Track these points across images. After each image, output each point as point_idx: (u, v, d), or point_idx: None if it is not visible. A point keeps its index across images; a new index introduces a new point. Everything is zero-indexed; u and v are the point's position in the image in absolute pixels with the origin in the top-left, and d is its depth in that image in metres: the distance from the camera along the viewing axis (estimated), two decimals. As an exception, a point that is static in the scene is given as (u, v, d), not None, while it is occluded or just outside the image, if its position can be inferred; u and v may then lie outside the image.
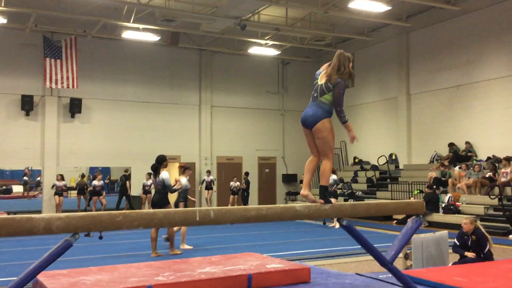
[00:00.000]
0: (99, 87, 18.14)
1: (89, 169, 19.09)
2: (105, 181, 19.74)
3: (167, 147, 19.00)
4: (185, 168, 10.32)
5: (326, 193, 4.53)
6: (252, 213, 4.15)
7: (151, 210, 3.85)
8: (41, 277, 4.47)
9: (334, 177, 13.83)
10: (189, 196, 10.26)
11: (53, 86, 16.76)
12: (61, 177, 16.31)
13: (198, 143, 19.73)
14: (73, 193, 18.73)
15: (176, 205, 9.86)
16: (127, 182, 17.46)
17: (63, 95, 17.48)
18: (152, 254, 8.89)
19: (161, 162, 9.09)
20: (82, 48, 17.33)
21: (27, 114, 17.00)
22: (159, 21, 15.70)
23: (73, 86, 16.94)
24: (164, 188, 8.86)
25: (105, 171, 20.07)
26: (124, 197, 17.78)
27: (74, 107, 17.48)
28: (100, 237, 3.48)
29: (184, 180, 9.99)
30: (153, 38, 16.74)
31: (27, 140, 17.01)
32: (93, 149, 17.81)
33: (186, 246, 9.80)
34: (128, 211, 3.69)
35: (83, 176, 17.51)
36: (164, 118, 19.07)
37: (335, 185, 14.10)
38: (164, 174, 8.90)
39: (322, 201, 4.43)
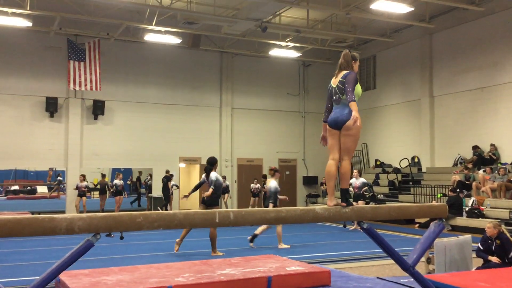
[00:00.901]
0: (122, 89, 18.36)
1: (111, 170, 19.33)
2: (127, 182, 19.96)
3: (188, 148, 19.15)
4: (275, 171, 10.55)
5: (347, 195, 4.51)
6: (271, 215, 4.15)
7: (171, 211, 3.87)
8: (63, 276, 4.54)
9: (362, 179, 13.88)
10: (279, 196, 10.53)
11: (77, 88, 17.02)
12: (83, 178, 16.22)
13: (219, 145, 19.80)
14: (96, 194, 18.96)
15: (266, 207, 10.00)
16: (169, 183, 17.48)
17: (86, 97, 17.74)
18: (212, 253, 9.20)
19: (213, 164, 9.44)
20: (105, 51, 17.57)
21: (51, 116, 17.30)
22: (180, 23, 15.83)
23: (96, 88, 17.18)
24: (218, 189, 9.24)
25: (127, 172, 20.30)
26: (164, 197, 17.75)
27: (97, 109, 17.72)
28: (121, 237, 3.52)
29: (274, 183, 10.30)
30: (175, 40, 16.88)
31: (51, 142, 17.31)
32: (115, 150, 18.04)
33: (284, 245, 9.99)
34: (149, 211, 3.72)
35: (103, 176, 17.60)
36: (185, 120, 19.20)
37: (364, 187, 13.98)
38: (214, 175, 9.24)
39: (344, 204, 4.42)
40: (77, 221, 3.42)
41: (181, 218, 3.74)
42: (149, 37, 16.66)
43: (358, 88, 4.57)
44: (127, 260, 8.29)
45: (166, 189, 17.36)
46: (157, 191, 18.39)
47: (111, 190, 16.42)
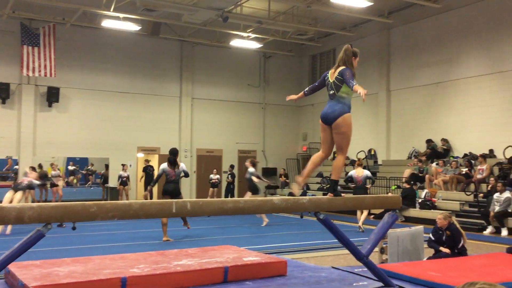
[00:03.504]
0: (78, 76, 17.85)
1: (66, 159, 18.81)
2: (82, 171, 19.47)
3: (147, 138, 18.87)
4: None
5: (336, 187, 4.64)
6: (229, 206, 4.14)
7: (127, 202, 3.81)
8: (12, 267, 4.39)
9: (366, 173, 12.85)
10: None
11: (30, 74, 16.44)
12: (33, 169, 12.92)
13: (178, 135, 19.60)
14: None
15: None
16: (154, 172, 17.31)
17: (40, 83, 17.16)
18: (164, 238, 9.64)
19: (176, 154, 9.73)
20: (60, 36, 17.02)
21: (3, 102, 16.66)
22: (139, 10, 15.48)
23: (50, 75, 16.64)
24: (179, 178, 9.72)
25: (83, 162, 19.80)
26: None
27: (52, 96, 17.18)
28: (73, 228, 3.43)
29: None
30: (134, 27, 16.53)
31: (2, 129, 16.68)
32: (70, 139, 17.55)
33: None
34: (102, 201, 3.64)
35: (40, 166, 16.39)
36: (144, 109, 18.89)
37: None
38: (183, 165, 9.74)
39: (331, 194, 4.59)
40: (27, 210, 3.31)
41: (136, 208, 3.68)
42: (106, 23, 16.24)
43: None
44: (80, 251, 8.12)
45: (151, 179, 17.15)
46: (113, 182, 18.06)
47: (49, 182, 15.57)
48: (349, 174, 11.68)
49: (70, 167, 15.75)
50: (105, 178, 18.46)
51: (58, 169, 16.61)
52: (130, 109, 18.62)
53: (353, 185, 11.68)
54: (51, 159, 17.66)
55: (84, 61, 17.95)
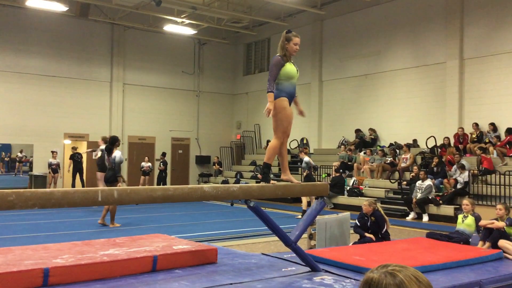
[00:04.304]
0: (0, 58, 16.82)
1: (-14, 145, 17.78)
2: (5, 159, 18.49)
3: (75, 124, 18.16)
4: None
5: (266, 170, 4.67)
6: (158, 193, 4.07)
7: (48, 190, 3.64)
8: None
9: (306, 159, 12.44)
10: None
11: None
12: None
13: (109, 122, 19.02)
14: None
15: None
16: (83, 160, 16.62)
17: (-43, 64, 16.02)
18: (99, 221, 9.96)
19: (113, 143, 9.99)
20: (-20, 14, 15.95)
21: None
22: (67, -10, 14.81)
23: (-31, 55, 15.58)
24: (117, 166, 9.90)
25: (6, 148, 18.78)
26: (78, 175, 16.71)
27: (-30, 78, 16.10)
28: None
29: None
30: (60, 8, 15.72)
31: None
32: (-9, 124, 16.56)
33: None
34: (22, 190, 3.46)
35: None
36: (71, 94, 18.13)
37: (307, 169, 12.32)
38: (117, 153, 9.90)
39: (260, 176, 4.66)
40: None
41: (59, 196, 3.52)
42: (31, 3, 15.35)
43: (287, 68, 4.63)
44: (0, 242, 7.70)
45: (80, 167, 16.52)
46: (38, 169, 17.26)
47: None
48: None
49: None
50: (30, 166, 17.63)
51: None
52: (56, 94, 17.80)
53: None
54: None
55: (6, 42, 16.92)
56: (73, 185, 16.77)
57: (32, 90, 17.33)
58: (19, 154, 18.71)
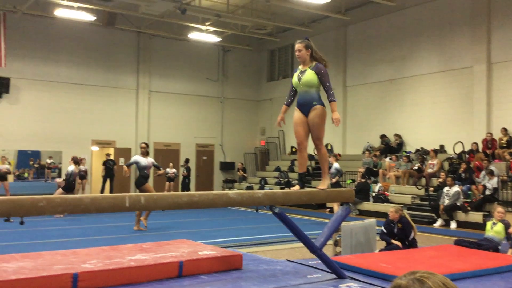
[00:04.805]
0: (30, 66, 17.25)
1: (17, 152, 18.20)
2: (35, 165, 18.91)
3: (102, 131, 18.47)
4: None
5: (303, 179, 4.94)
6: (184, 200, 4.11)
7: (77, 196, 3.72)
8: (-44, 265, 4.22)
9: (336, 165, 12.58)
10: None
11: (-22, 63, 15.77)
12: None
13: (135, 129, 19.28)
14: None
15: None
16: (115, 167, 17.10)
17: (-11, 73, 16.49)
18: (135, 227, 10.28)
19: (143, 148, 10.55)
20: (11, 25, 16.38)
21: (-51, 92, 15.93)
22: (95, 0, 15.11)
23: (0, 65, 16.01)
24: (141, 171, 10.22)
25: (35, 155, 19.21)
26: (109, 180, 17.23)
27: (2, 86, 16.52)
28: (21, 223, 3.32)
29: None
30: (89, 17, 16.08)
31: None
32: (22, 131, 16.94)
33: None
34: (52, 196, 3.54)
35: None
36: (98, 102, 18.45)
37: (337, 175, 12.62)
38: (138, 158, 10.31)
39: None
40: (-29, 205, 3.18)
41: (87, 202, 3.60)
42: (60, 13, 15.73)
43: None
44: (30, 247, 7.87)
45: (111, 173, 17.12)
46: (67, 175, 17.58)
47: None
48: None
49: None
50: (59, 172, 18.00)
51: (9, 163, 16.04)
52: (84, 101, 18.15)
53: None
54: (1, 151, 17.06)
55: (36, 51, 17.35)
56: (102, 191, 17.14)
57: (61, 98, 17.71)
58: (48, 161, 19.12)
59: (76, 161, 14.10)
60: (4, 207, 3.27)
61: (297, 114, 4.87)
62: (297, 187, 4.82)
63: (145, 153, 10.37)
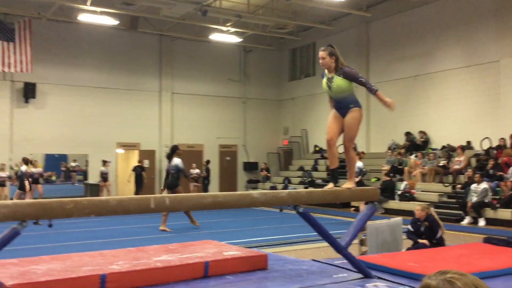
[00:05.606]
0: (55, 71, 17.58)
1: (44, 156, 18.56)
2: (62, 168, 19.26)
3: (126, 134, 18.70)
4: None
5: (335, 174, 5.03)
6: (208, 200, 4.12)
7: (104, 198, 3.77)
8: (-12, 267, 4.31)
9: (360, 164, 11.70)
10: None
11: (6, 70, 16.13)
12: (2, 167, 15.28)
13: (158, 131, 19.47)
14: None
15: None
16: (143, 173, 17.46)
17: (16, 79, 16.86)
18: (160, 227, 10.45)
19: (174, 151, 10.67)
20: (36, 31, 16.72)
21: (-22, 99, 16.35)
22: (117, 4, 15.32)
23: (27, 70, 16.36)
24: (177, 173, 10.49)
25: (62, 159, 19.57)
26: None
27: (28, 92, 16.89)
28: (50, 225, 3.37)
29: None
30: (111, 22, 16.31)
31: (-22, 126, 16.36)
32: (48, 135, 17.29)
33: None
34: (79, 198, 3.59)
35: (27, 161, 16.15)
36: (122, 105, 18.70)
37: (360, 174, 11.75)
38: (176, 160, 10.49)
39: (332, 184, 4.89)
40: (2, 208, 3.24)
41: (114, 204, 3.64)
42: (83, 18, 16.00)
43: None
44: (58, 249, 8.02)
45: (140, 180, 17.52)
46: (93, 178, 17.88)
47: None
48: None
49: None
50: (85, 175, 18.33)
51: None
52: (108, 105, 18.41)
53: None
54: (29, 156, 17.40)
55: (61, 56, 17.67)
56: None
57: (85, 101, 18.00)
58: (72, 164, 19.45)
59: (27, 162, 14.24)
60: (33, 210, 3.33)
61: (334, 111, 4.90)
62: (331, 185, 4.82)
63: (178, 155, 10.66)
